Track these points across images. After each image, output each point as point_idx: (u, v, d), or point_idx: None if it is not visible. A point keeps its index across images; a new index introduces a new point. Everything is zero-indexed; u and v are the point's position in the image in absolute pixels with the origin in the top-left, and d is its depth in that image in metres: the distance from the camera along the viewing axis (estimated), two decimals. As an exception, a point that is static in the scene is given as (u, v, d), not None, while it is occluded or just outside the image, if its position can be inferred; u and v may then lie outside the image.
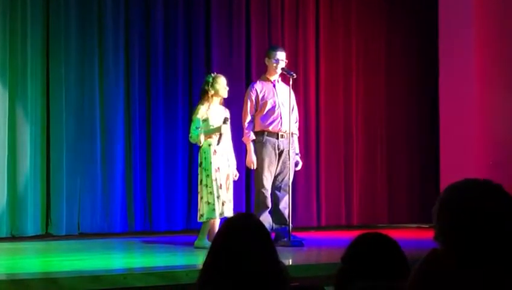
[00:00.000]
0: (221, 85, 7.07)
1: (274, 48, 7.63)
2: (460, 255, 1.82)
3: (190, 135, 7.05)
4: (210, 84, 7.04)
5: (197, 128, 6.97)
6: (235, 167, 7.20)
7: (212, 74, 7.18)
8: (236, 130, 7.46)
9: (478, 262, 1.80)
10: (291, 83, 7.28)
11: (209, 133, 6.97)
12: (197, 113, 7.02)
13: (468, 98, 9.15)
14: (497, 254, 1.80)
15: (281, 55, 7.41)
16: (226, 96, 7.10)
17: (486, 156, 8.93)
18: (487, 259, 1.80)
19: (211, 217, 6.93)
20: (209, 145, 6.99)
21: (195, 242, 7.01)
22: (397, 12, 9.77)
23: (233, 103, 7.64)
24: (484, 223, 1.82)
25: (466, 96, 9.17)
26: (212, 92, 7.02)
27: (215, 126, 6.98)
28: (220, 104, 7.12)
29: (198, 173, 7.06)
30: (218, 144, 6.97)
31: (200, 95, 7.17)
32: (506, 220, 1.83)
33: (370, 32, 9.63)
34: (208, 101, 7.04)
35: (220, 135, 6.94)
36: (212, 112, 7.03)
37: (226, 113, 7.12)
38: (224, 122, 6.96)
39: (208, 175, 6.95)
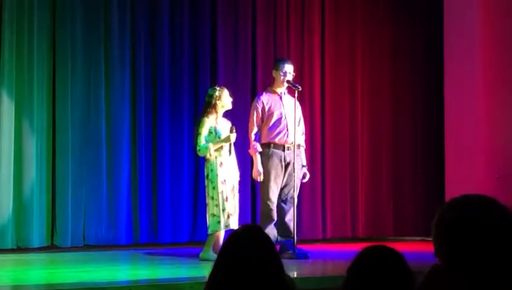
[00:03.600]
0: (227, 97, 7.12)
1: (282, 61, 7.66)
2: (459, 271, 1.82)
3: (198, 149, 7.05)
4: (217, 97, 7.07)
5: (204, 142, 6.99)
6: (238, 179, 7.20)
7: (217, 88, 7.21)
8: (241, 142, 7.46)
9: (477, 277, 1.79)
10: (296, 95, 7.29)
11: (218, 143, 6.98)
12: (203, 126, 7.03)
13: (474, 110, 9.14)
14: (496, 269, 1.80)
15: (289, 68, 7.43)
16: (231, 107, 7.15)
17: (492, 168, 8.91)
18: (486, 275, 1.79)
19: (216, 230, 6.93)
20: (216, 157, 7.00)
21: (201, 254, 7.01)
22: (402, 21, 9.76)
23: (239, 114, 7.65)
24: (481, 238, 1.81)
25: (472, 107, 9.15)
26: (220, 105, 7.06)
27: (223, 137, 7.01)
28: (222, 116, 7.17)
29: (205, 185, 7.07)
30: (230, 154, 6.99)
31: (204, 108, 7.20)
32: (503, 235, 1.82)
33: (375, 43, 9.63)
34: (215, 114, 7.06)
35: (230, 144, 6.98)
36: (220, 124, 7.07)
37: (229, 124, 7.15)
38: (231, 131, 6.99)
39: (214, 187, 6.96)
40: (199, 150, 7.04)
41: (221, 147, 7.01)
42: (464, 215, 1.85)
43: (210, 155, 6.97)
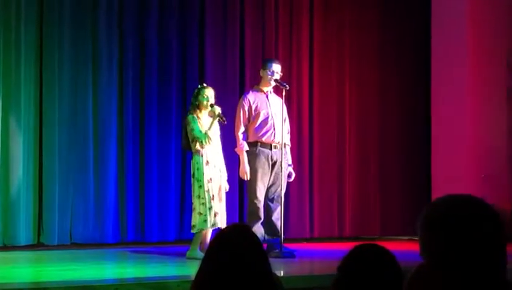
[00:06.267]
0: (206, 96, 7.07)
1: (270, 60, 7.69)
2: (444, 271, 1.82)
3: (201, 140, 6.94)
4: (195, 95, 7.09)
5: (199, 131, 6.96)
6: (226, 179, 7.20)
7: (199, 86, 7.21)
8: (228, 142, 7.46)
9: (463, 278, 1.80)
10: (284, 94, 7.31)
11: (210, 126, 6.97)
12: (192, 122, 6.99)
13: (461, 110, 9.18)
14: (482, 269, 1.81)
15: (277, 68, 7.45)
16: (207, 107, 7.10)
17: (477, 168, 8.95)
18: (472, 275, 1.80)
19: (202, 228, 6.93)
20: (202, 155, 7.00)
21: (187, 253, 7.01)
22: (391, 20, 9.79)
23: (227, 114, 7.65)
24: (467, 238, 1.82)
25: (458, 107, 9.20)
26: (196, 103, 7.05)
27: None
28: (209, 116, 7.14)
29: (191, 184, 7.07)
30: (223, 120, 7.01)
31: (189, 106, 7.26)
32: (489, 235, 1.83)
33: (364, 42, 9.65)
34: (195, 113, 7.04)
35: (218, 114, 6.98)
36: (203, 120, 7.06)
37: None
38: (212, 106, 7.00)
39: (200, 186, 6.96)
40: (201, 141, 6.98)
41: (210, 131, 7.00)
42: (449, 215, 1.86)
43: (211, 140, 6.95)
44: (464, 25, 9.26)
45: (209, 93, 7.09)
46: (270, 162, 7.35)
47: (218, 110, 7.02)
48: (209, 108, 7.07)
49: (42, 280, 5.73)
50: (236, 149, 7.41)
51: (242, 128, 7.35)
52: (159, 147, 8.49)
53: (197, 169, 7.00)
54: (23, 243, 7.79)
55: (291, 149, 7.78)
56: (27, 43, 7.92)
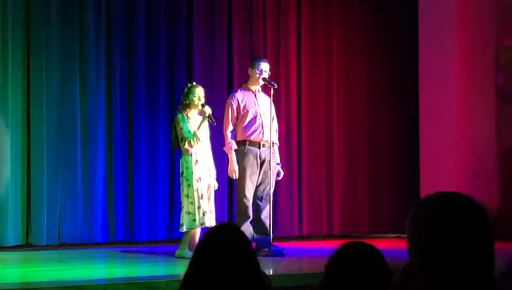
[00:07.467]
0: (196, 95, 7.08)
1: (258, 59, 7.68)
2: (432, 269, 1.83)
3: (189, 140, 6.95)
4: (184, 94, 7.08)
5: (188, 131, 6.96)
6: (215, 177, 7.20)
7: (189, 84, 7.21)
8: (217, 141, 7.46)
9: (450, 276, 1.80)
10: (272, 93, 7.30)
11: (199, 125, 6.97)
12: (181, 121, 7.00)
13: (448, 108, 9.21)
14: (469, 267, 1.81)
15: (265, 66, 7.45)
16: (199, 107, 7.11)
17: (466, 166, 8.98)
18: (459, 273, 1.80)
19: (191, 227, 6.94)
20: (191, 154, 7.00)
21: (176, 252, 7.01)
22: (378, 22, 9.81)
23: (215, 113, 7.65)
24: (455, 236, 1.82)
25: (446, 106, 9.22)
26: (186, 102, 7.05)
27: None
28: (198, 114, 7.14)
29: (180, 182, 7.06)
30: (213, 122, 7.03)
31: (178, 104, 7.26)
32: (476, 233, 1.83)
33: (351, 42, 9.67)
34: (185, 112, 7.04)
35: (208, 115, 6.98)
36: (192, 119, 7.05)
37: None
38: (203, 107, 6.99)
39: (189, 185, 6.96)
40: (190, 141, 6.98)
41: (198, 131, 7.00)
42: (438, 212, 1.86)
43: (199, 140, 6.95)
44: (452, 24, 9.29)
45: (200, 92, 7.10)
46: (259, 161, 7.36)
47: (208, 111, 7.02)
48: (199, 107, 7.08)
49: (31, 281, 5.71)
50: (224, 148, 7.40)
51: (230, 127, 7.35)
52: (147, 146, 8.48)
53: (186, 168, 7.00)
54: (11, 244, 7.76)
55: (280, 148, 7.79)
56: (14, 42, 7.89)
